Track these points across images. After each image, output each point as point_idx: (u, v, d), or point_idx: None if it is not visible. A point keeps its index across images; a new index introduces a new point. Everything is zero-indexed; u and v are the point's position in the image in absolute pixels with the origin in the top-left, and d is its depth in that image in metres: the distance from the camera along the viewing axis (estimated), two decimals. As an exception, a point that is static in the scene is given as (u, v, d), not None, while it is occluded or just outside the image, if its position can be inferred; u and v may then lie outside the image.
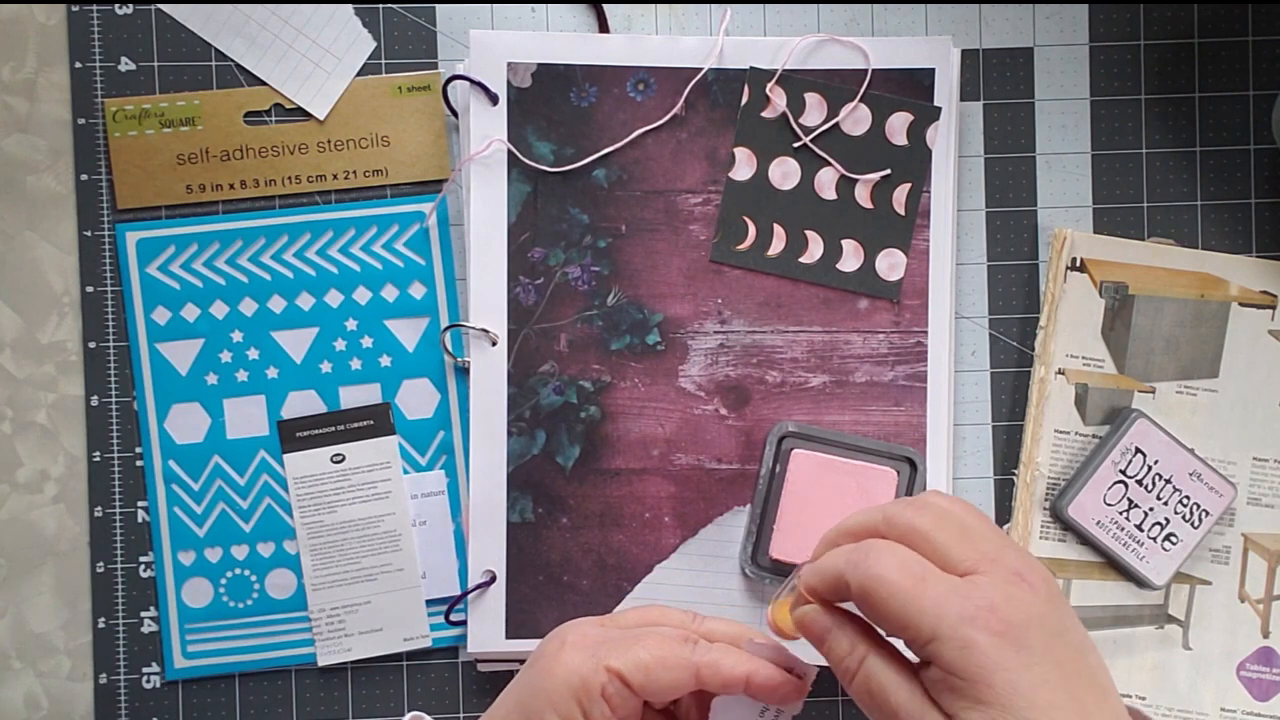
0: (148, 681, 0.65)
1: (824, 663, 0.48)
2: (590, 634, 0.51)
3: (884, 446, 0.63)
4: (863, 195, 0.65)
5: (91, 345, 0.65)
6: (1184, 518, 0.64)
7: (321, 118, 0.65)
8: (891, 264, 0.65)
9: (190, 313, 0.65)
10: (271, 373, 0.65)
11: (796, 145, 0.64)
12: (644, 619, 0.52)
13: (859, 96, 0.64)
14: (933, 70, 0.64)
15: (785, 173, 0.64)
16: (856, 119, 0.64)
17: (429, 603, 0.65)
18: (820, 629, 0.47)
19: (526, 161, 0.64)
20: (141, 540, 0.65)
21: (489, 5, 0.65)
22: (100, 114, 0.65)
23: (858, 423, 0.65)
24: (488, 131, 0.64)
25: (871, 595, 0.44)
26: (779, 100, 0.64)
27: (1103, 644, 0.65)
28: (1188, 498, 0.64)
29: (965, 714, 0.42)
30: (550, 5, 0.65)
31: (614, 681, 0.49)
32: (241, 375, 0.65)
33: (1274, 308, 0.65)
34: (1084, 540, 0.65)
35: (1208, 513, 0.64)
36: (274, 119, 0.65)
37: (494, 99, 0.64)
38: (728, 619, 0.53)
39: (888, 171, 0.64)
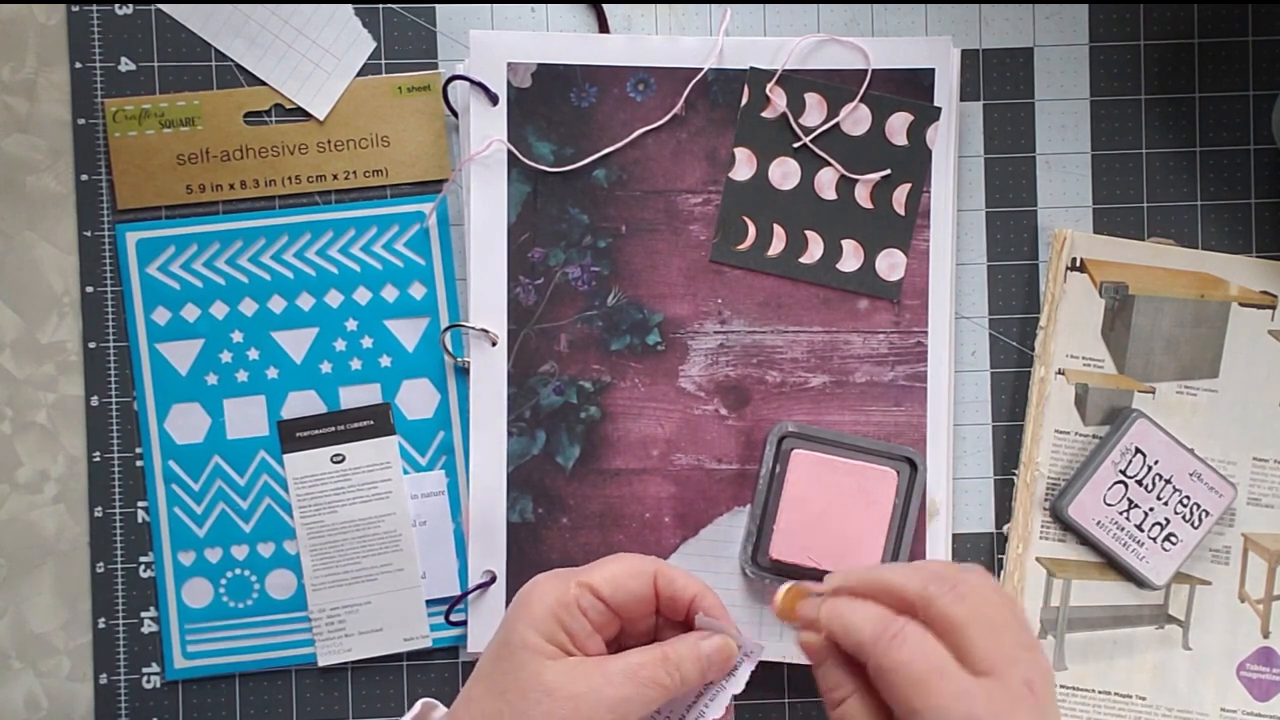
0: (148, 681, 0.65)
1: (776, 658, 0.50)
2: (560, 570, 0.55)
3: (884, 446, 0.63)
4: (863, 195, 0.65)
5: (91, 345, 0.65)
6: (1184, 518, 0.64)
7: (321, 118, 0.65)
8: (891, 264, 0.65)
9: (190, 313, 0.65)
10: (271, 373, 0.65)
11: (796, 145, 0.64)
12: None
13: (859, 96, 0.64)
14: (933, 70, 0.64)
15: (785, 173, 0.64)
16: (856, 119, 0.64)
17: (429, 603, 0.65)
18: (818, 658, 0.51)
19: (526, 161, 0.64)
20: (141, 540, 0.65)
21: (489, 5, 0.65)
22: (100, 114, 0.65)
23: (858, 423, 0.65)
24: (488, 131, 0.64)
25: (889, 677, 0.47)
26: (779, 100, 0.64)
27: (1102, 644, 0.65)
28: (1188, 498, 0.64)
29: None
30: (550, 5, 0.65)
31: (586, 594, 0.53)
32: (241, 375, 0.65)
33: (1274, 308, 0.65)
34: (1084, 540, 0.65)
35: (1208, 513, 0.64)
36: (274, 119, 0.65)
37: (494, 99, 0.64)
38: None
39: (888, 171, 0.64)
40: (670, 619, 0.55)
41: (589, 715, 0.50)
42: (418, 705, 0.59)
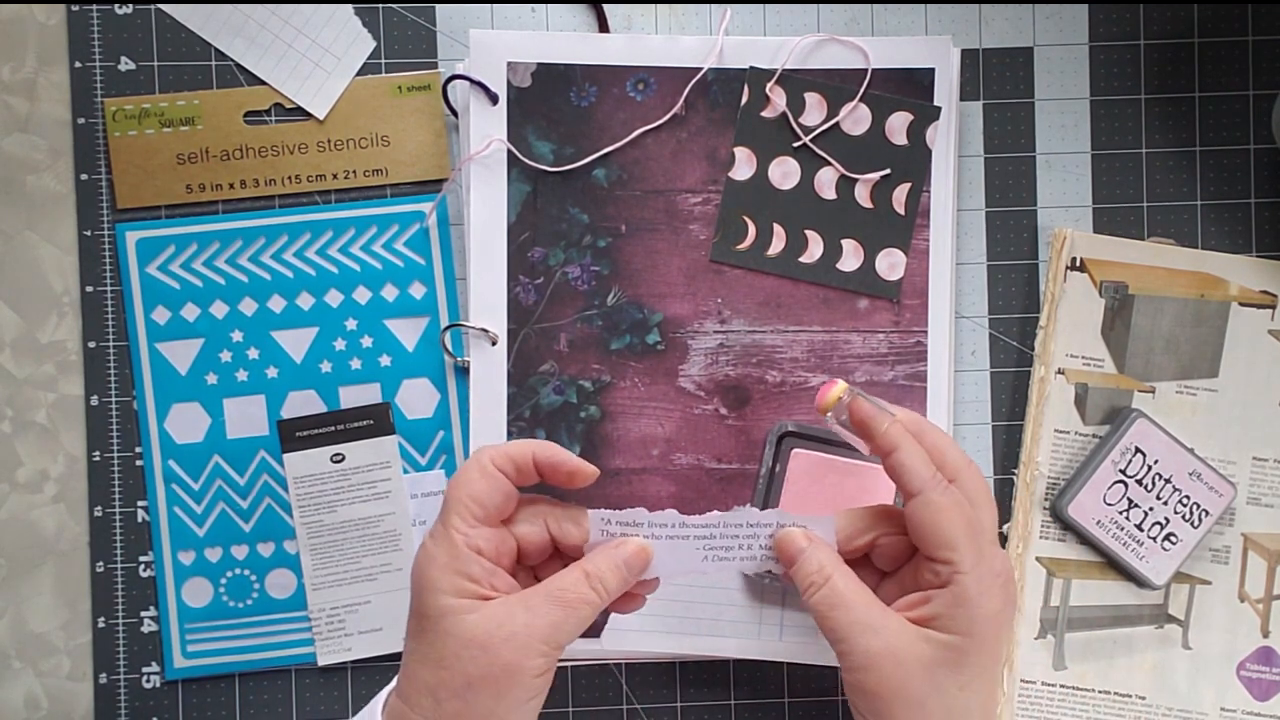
0: (148, 681, 0.65)
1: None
2: (430, 530, 0.54)
3: None
4: (862, 195, 0.65)
5: (91, 345, 0.65)
6: (1184, 517, 0.64)
7: (321, 117, 0.65)
8: (891, 264, 0.65)
9: (190, 312, 0.65)
10: (271, 372, 0.65)
11: (796, 145, 0.64)
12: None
13: (859, 96, 0.64)
14: (933, 70, 0.64)
15: (785, 172, 0.64)
16: (856, 119, 0.64)
17: (429, 602, 0.65)
18: (795, 549, 0.55)
19: (526, 161, 0.64)
20: (141, 540, 0.65)
21: (489, 5, 0.65)
22: (100, 114, 0.65)
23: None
24: (488, 131, 0.64)
25: (931, 513, 0.53)
26: (779, 100, 0.64)
27: (1102, 643, 0.65)
28: (1188, 497, 0.64)
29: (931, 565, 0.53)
30: (550, 5, 0.66)
31: (463, 528, 0.53)
32: (241, 375, 0.65)
33: (1274, 307, 0.65)
34: (1084, 540, 0.65)
35: (1207, 512, 0.64)
36: (274, 119, 0.65)
37: (494, 99, 0.64)
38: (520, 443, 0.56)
39: (887, 171, 0.64)
40: (555, 484, 0.56)
41: (525, 651, 0.51)
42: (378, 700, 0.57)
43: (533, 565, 0.57)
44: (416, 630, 0.53)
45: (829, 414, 0.56)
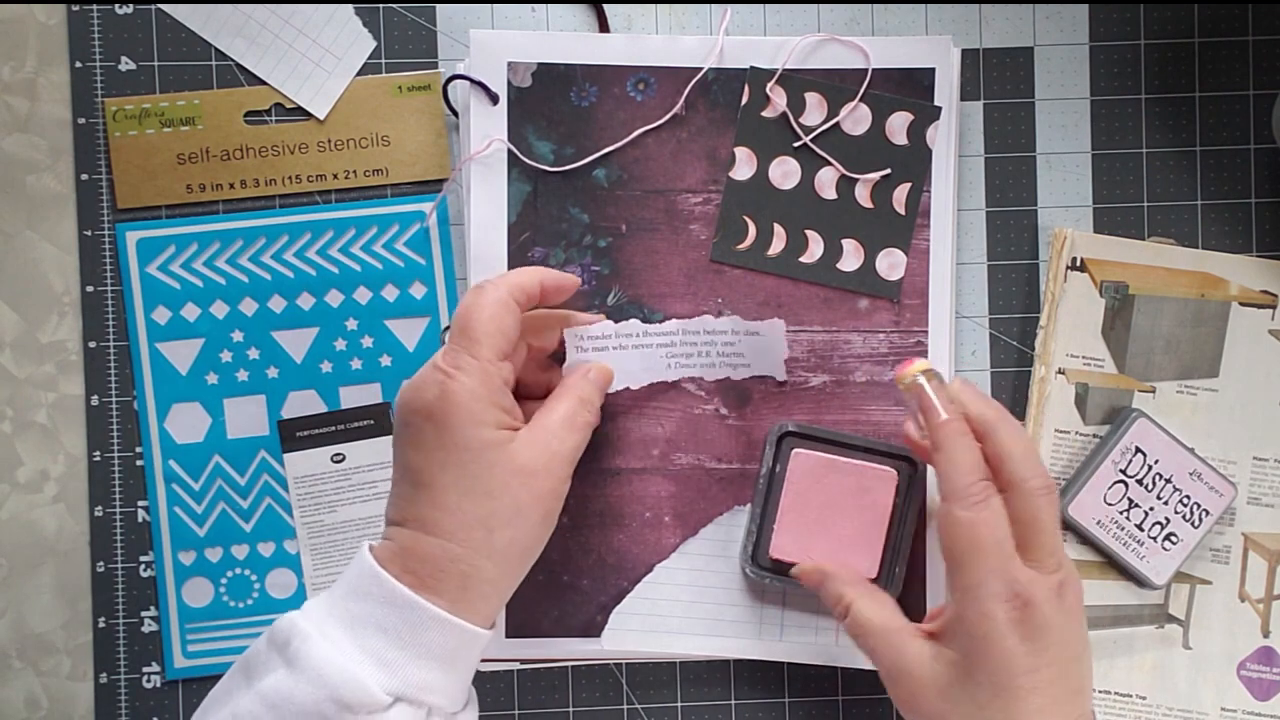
0: (148, 681, 0.65)
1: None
2: (450, 359, 0.54)
3: (884, 446, 0.63)
4: (863, 195, 0.65)
5: (91, 345, 0.65)
6: (1184, 517, 0.64)
7: (321, 117, 0.65)
8: (891, 263, 0.65)
9: (190, 312, 0.65)
10: (271, 372, 0.65)
11: (797, 145, 0.64)
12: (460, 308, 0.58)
13: (859, 96, 0.64)
14: (933, 70, 0.64)
15: (785, 172, 0.64)
16: (857, 118, 0.64)
17: (429, 602, 0.65)
18: (814, 582, 0.60)
19: (526, 161, 0.64)
20: (141, 540, 0.65)
21: (489, 5, 0.65)
22: (100, 114, 0.65)
23: (858, 422, 0.65)
24: (488, 131, 0.64)
25: (956, 527, 0.53)
26: (779, 100, 0.64)
27: (1103, 643, 0.65)
28: (1188, 497, 0.64)
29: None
30: (550, 5, 0.66)
31: (498, 365, 0.54)
32: (242, 375, 0.65)
33: (1274, 307, 0.65)
34: (1084, 540, 0.65)
35: (1208, 512, 0.64)
36: (274, 119, 0.65)
37: (494, 98, 0.64)
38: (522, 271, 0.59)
39: (888, 171, 0.64)
40: (550, 305, 0.61)
41: (560, 475, 0.55)
42: (364, 552, 0.54)
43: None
44: (453, 463, 0.53)
45: (901, 387, 0.57)
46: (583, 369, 0.60)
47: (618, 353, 0.63)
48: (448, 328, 0.65)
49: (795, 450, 0.63)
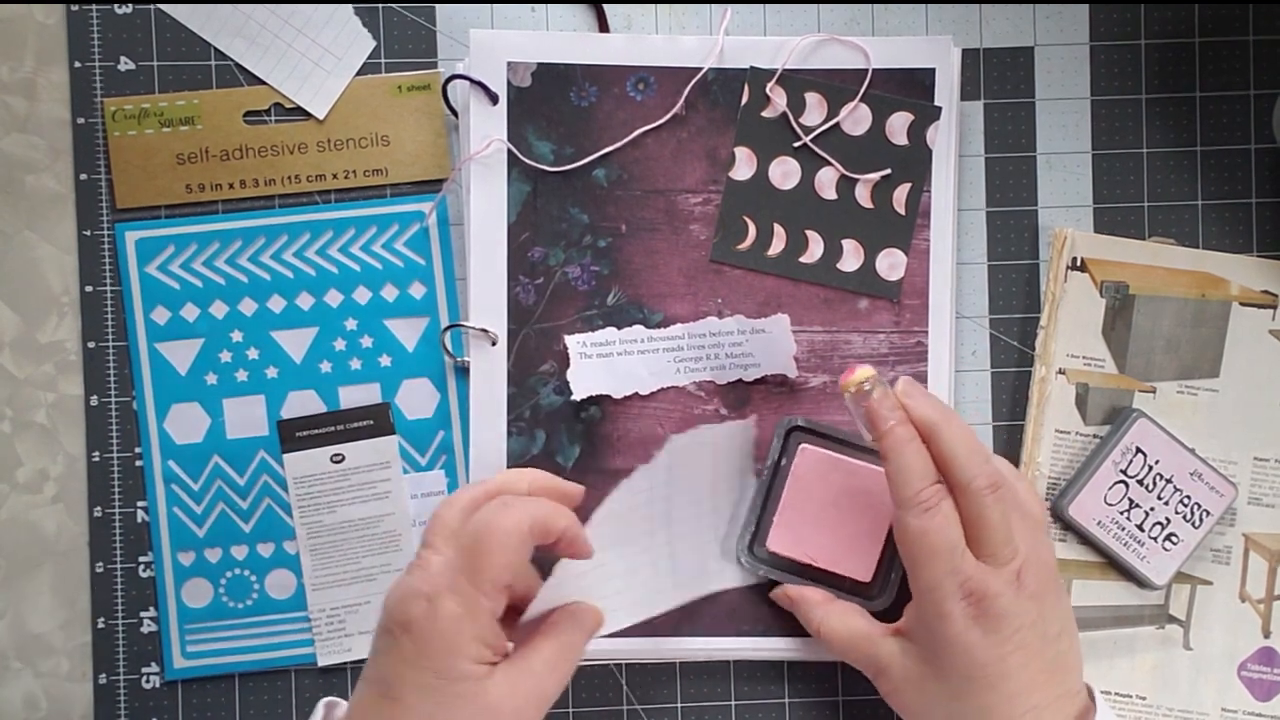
0: (147, 681, 0.65)
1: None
2: (439, 576, 0.52)
3: None
4: (863, 195, 0.64)
5: (91, 345, 0.65)
6: (1185, 518, 0.64)
7: (321, 117, 0.65)
8: (892, 264, 0.65)
9: (190, 312, 0.65)
10: (271, 373, 0.65)
11: (797, 145, 0.64)
12: (458, 515, 0.54)
13: (859, 96, 0.64)
14: (933, 70, 0.64)
15: (785, 172, 0.64)
16: (857, 119, 0.64)
17: (429, 603, 0.65)
18: (790, 606, 0.63)
19: (526, 161, 0.64)
20: (141, 540, 0.65)
21: (489, 5, 0.65)
22: (100, 114, 0.65)
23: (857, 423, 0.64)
24: (488, 131, 0.64)
25: (908, 534, 0.55)
26: (779, 100, 0.64)
27: (1103, 644, 0.65)
28: (1188, 498, 0.64)
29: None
30: (550, 5, 0.65)
31: (493, 598, 0.52)
32: (241, 375, 0.65)
33: (1275, 307, 0.65)
34: (1084, 540, 0.65)
35: (1208, 513, 0.64)
36: (274, 119, 0.65)
37: (494, 98, 0.64)
38: (513, 470, 0.59)
39: (888, 171, 0.64)
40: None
41: (533, 714, 0.53)
42: (320, 706, 0.57)
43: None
44: (429, 689, 0.51)
45: (847, 396, 0.57)
46: (572, 610, 0.57)
47: (622, 358, 0.63)
48: (448, 328, 0.65)
49: (803, 445, 0.63)
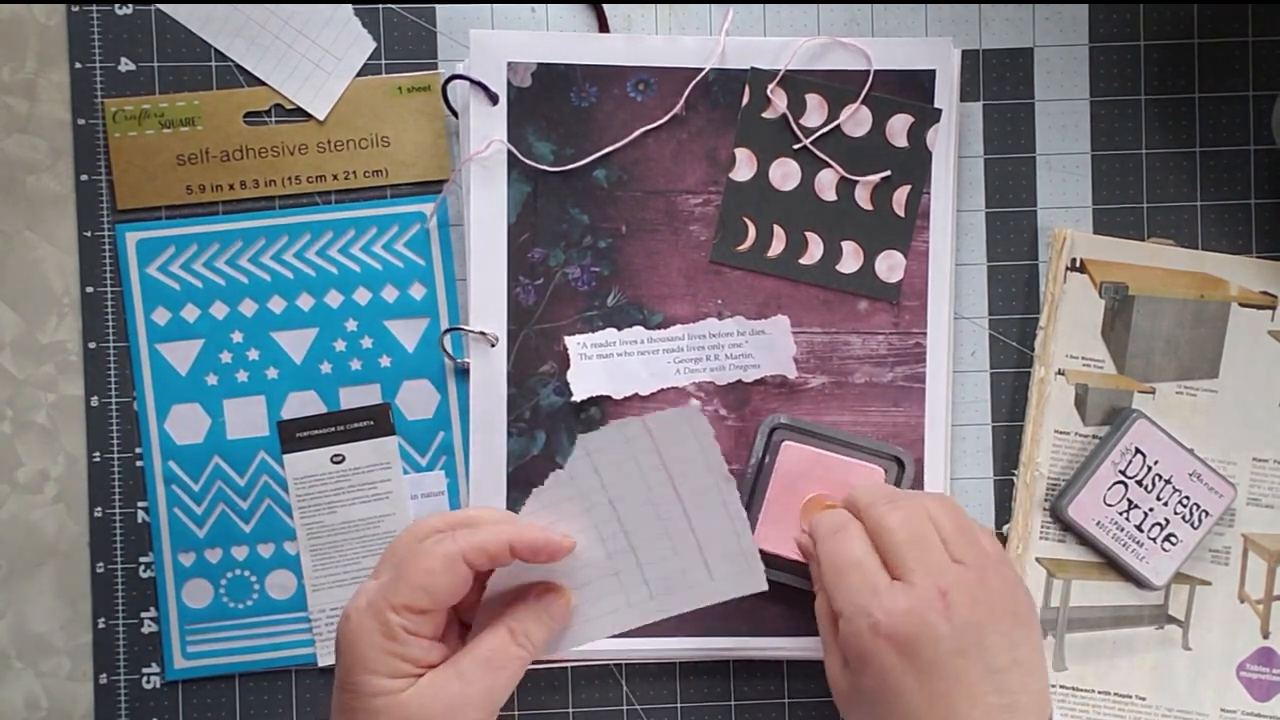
0: (148, 682, 0.65)
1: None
2: (365, 595, 0.52)
3: (873, 444, 0.63)
4: (863, 197, 0.64)
5: (91, 345, 0.65)
6: (1184, 518, 0.64)
7: (321, 118, 0.65)
8: (891, 265, 0.65)
9: (190, 313, 0.65)
10: (271, 373, 0.65)
11: (797, 146, 0.64)
12: (409, 543, 0.53)
13: (860, 98, 0.64)
14: (933, 71, 0.64)
15: (785, 174, 0.64)
16: (857, 120, 0.64)
17: (429, 603, 0.65)
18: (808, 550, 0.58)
19: (526, 161, 0.64)
20: (141, 541, 0.65)
21: (489, 5, 0.65)
22: (100, 114, 0.65)
23: (856, 423, 0.65)
24: (488, 131, 0.64)
25: (822, 565, 0.55)
26: (780, 101, 0.64)
27: (1102, 644, 0.65)
28: (1188, 498, 0.64)
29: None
30: (550, 5, 0.65)
31: (405, 616, 0.51)
32: (241, 376, 0.65)
33: (1274, 308, 0.65)
34: (1084, 540, 0.65)
35: (1208, 513, 0.64)
36: (274, 119, 0.65)
37: (494, 99, 0.64)
38: (490, 508, 0.58)
39: (888, 173, 0.64)
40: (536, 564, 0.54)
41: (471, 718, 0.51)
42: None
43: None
44: (345, 706, 0.51)
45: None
46: (536, 588, 0.54)
47: (622, 359, 0.63)
48: (448, 330, 0.65)
49: (785, 443, 0.63)
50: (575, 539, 0.54)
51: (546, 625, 0.54)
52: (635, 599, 0.55)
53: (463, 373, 0.65)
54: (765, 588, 0.55)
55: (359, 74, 0.65)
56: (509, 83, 0.64)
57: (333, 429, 0.65)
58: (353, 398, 0.65)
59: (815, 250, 0.65)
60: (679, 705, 0.66)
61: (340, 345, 0.65)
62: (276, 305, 0.65)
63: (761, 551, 0.62)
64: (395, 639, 0.51)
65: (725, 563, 0.55)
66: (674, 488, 0.54)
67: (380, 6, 0.65)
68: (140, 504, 0.65)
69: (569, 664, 0.65)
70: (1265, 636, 0.65)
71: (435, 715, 0.50)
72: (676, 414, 0.53)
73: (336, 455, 0.65)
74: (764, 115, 0.64)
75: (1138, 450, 0.64)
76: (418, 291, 0.65)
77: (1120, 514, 0.64)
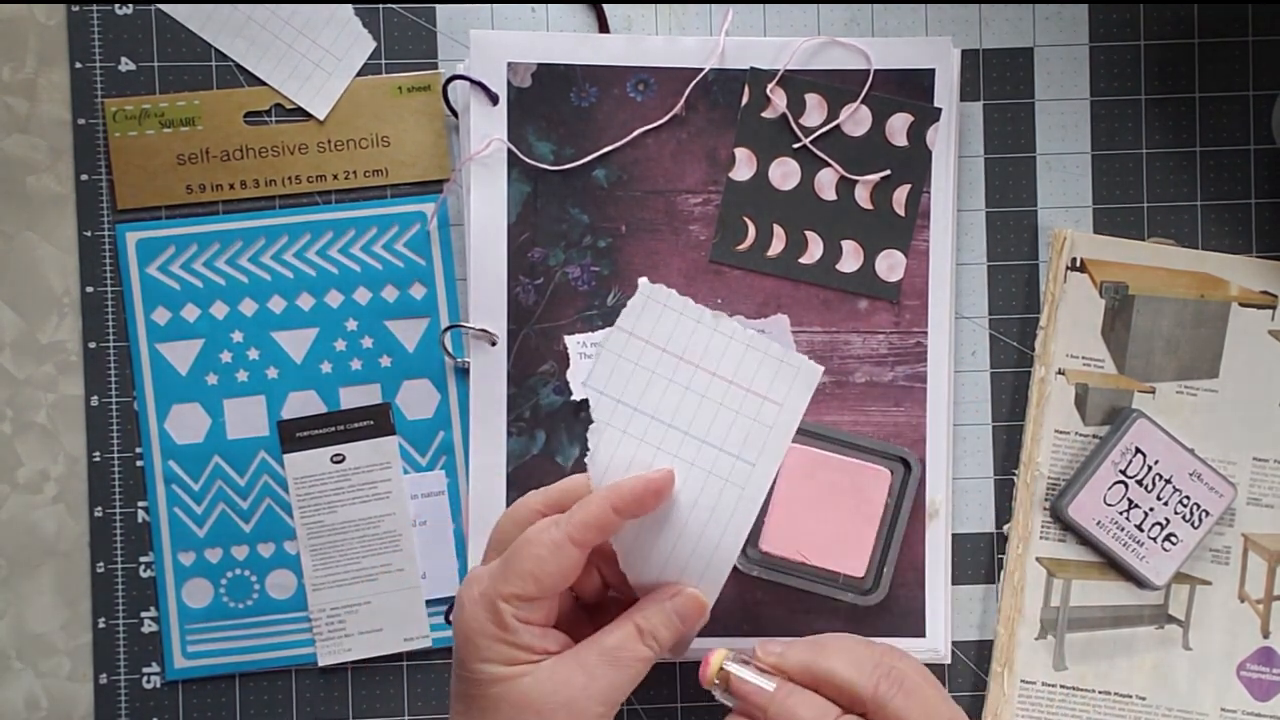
0: (148, 682, 0.65)
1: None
2: (477, 584, 0.51)
3: (879, 446, 0.63)
4: (863, 196, 0.65)
5: (91, 345, 0.65)
6: (1184, 518, 0.64)
7: (321, 118, 0.65)
8: (891, 265, 0.65)
9: (190, 313, 0.65)
10: (271, 373, 0.65)
11: (796, 146, 0.64)
12: (510, 527, 0.53)
13: (860, 98, 0.64)
14: (933, 71, 0.64)
15: (785, 173, 0.64)
16: (857, 120, 0.64)
17: (429, 603, 0.65)
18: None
19: (527, 161, 0.64)
20: (141, 540, 0.65)
21: (489, 5, 0.65)
22: (100, 114, 0.65)
23: (857, 423, 0.65)
24: (488, 131, 0.64)
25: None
26: (779, 101, 0.64)
27: (1103, 644, 0.65)
28: (1188, 498, 0.64)
29: None
30: (550, 5, 0.65)
31: (516, 604, 0.50)
32: (241, 375, 0.65)
33: (1274, 308, 0.65)
34: (1084, 540, 0.65)
35: (1208, 513, 0.64)
36: (274, 119, 0.65)
37: (494, 99, 0.64)
38: (574, 478, 0.54)
39: (888, 172, 0.64)
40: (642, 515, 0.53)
41: (583, 715, 0.50)
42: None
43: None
44: (463, 694, 0.51)
45: (715, 692, 0.53)
46: (667, 591, 0.53)
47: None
48: (447, 329, 0.65)
49: (791, 445, 0.63)
50: (666, 467, 0.52)
51: (675, 628, 0.53)
52: (737, 477, 0.53)
53: (463, 372, 0.65)
54: (821, 368, 0.53)
55: (359, 74, 0.65)
56: (509, 83, 0.64)
57: (333, 429, 0.65)
58: (353, 397, 0.65)
59: (815, 250, 0.65)
60: (679, 705, 0.66)
61: (340, 345, 0.65)
62: (277, 305, 0.65)
63: (768, 554, 0.63)
64: (507, 628, 0.50)
65: (776, 381, 0.53)
66: (684, 360, 0.53)
67: (380, 6, 0.65)
68: (140, 504, 0.65)
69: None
70: (1265, 636, 0.65)
71: (556, 707, 0.49)
72: (635, 300, 0.53)
73: (336, 455, 0.65)
74: (764, 115, 0.64)
75: (1138, 450, 0.64)
76: (418, 291, 0.65)
77: (1120, 514, 0.64)
